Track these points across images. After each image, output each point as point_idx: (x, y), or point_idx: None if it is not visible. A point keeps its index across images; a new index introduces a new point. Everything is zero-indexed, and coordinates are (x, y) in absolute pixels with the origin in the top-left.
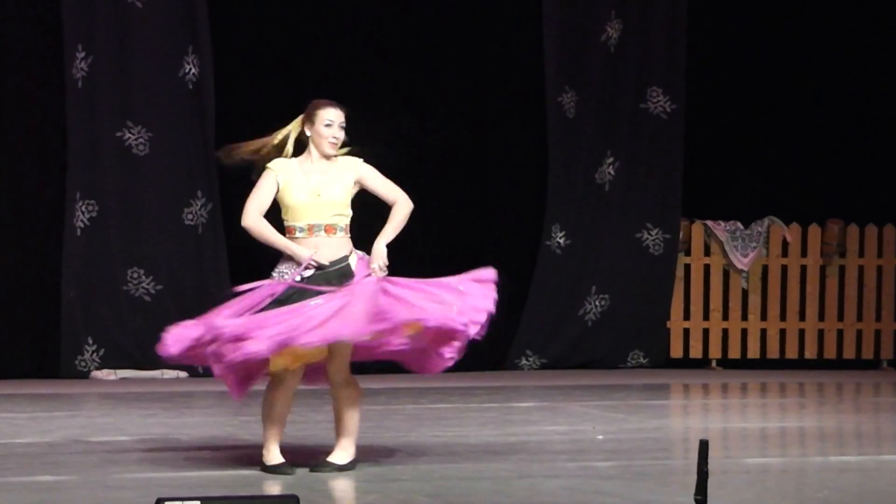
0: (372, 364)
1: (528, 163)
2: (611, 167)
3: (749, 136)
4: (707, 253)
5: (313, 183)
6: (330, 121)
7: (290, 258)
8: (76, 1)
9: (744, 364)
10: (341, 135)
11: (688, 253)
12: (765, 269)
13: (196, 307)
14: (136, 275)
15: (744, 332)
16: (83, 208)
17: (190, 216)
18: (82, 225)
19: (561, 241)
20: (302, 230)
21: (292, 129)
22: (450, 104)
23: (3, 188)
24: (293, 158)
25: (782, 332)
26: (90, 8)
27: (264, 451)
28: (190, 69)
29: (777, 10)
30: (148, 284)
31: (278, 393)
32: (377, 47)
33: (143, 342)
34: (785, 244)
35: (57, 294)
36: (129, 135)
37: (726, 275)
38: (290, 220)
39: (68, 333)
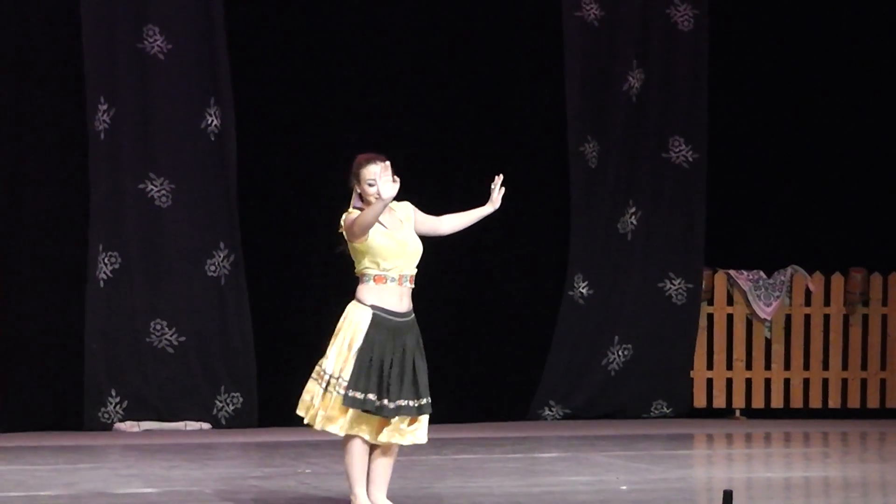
0: None
1: (551, 212)
2: (633, 217)
3: (771, 185)
4: (730, 302)
5: (399, 236)
6: (373, 179)
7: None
8: (98, 53)
9: (767, 414)
10: None
11: (711, 302)
12: (788, 318)
13: (219, 359)
14: (158, 326)
15: (767, 381)
16: (106, 260)
17: (212, 268)
18: (105, 277)
19: (583, 290)
20: (393, 279)
21: (354, 194)
22: (472, 153)
23: (26, 240)
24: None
25: (806, 382)
26: (112, 60)
27: (352, 497)
28: (212, 121)
29: (798, 60)
30: (171, 336)
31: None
32: (399, 98)
33: (167, 394)
34: (808, 293)
35: (80, 346)
36: (152, 186)
37: (749, 324)
38: (377, 270)
39: (91, 385)
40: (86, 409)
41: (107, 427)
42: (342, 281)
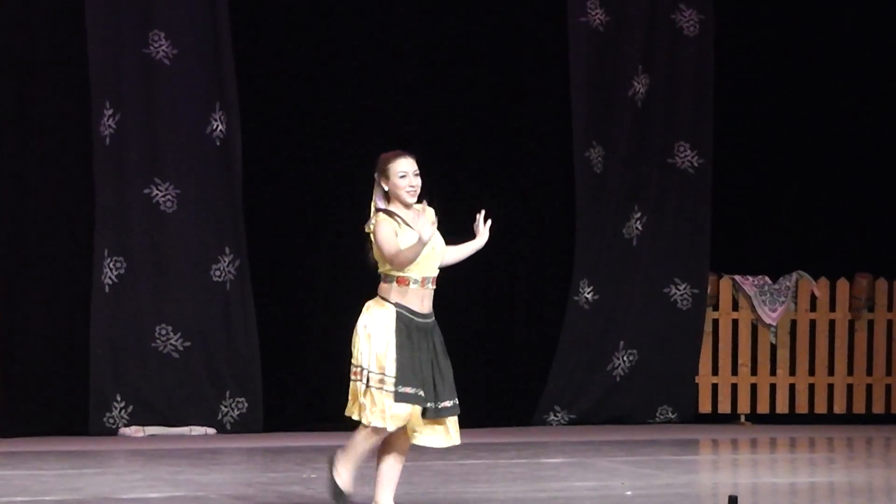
0: None
1: (556, 218)
2: (638, 222)
3: (776, 190)
4: (735, 308)
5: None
6: (403, 172)
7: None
8: (103, 58)
9: (773, 419)
10: (418, 181)
11: (716, 308)
12: (793, 323)
13: (225, 364)
14: (164, 331)
15: (772, 386)
16: (111, 265)
17: (218, 273)
18: (110, 282)
19: (589, 296)
20: (416, 282)
21: (375, 193)
22: (477, 159)
23: (31, 245)
24: (389, 211)
25: (811, 387)
26: (117, 65)
27: (340, 471)
28: (217, 126)
29: (804, 65)
30: (176, 341)
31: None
32: (404, 104)
33: (172, 399)
34: (813, 298)
35: (85, 351)
36: (157, 191)
37: (755, 329)
38: (401, 272)
39: (97, 390)
40: (91, 414)
41: (112, 432)
42: (348, 285)
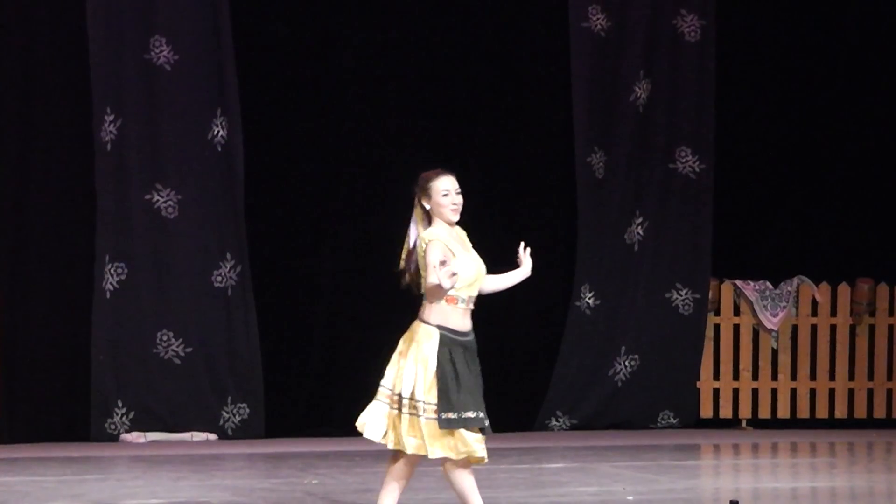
0: None
1: (558, 223)
2: (640, 227)
3: (778, 195)
4: (737, 313)
5: (475, 262)
6: (446, 190)
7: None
8: (105, 64)
9: (774, 424)
10: (460, 199)
11: (717, 313)
12: (794, 328)
13: (226, 369)
14: (165, 337)
15: (774, 391)
16: (112, 271)
17: (219, 278)
18: (112, 288)
19: (590, 301)
20: (463, 301)
21: (416, 215)
22: (479, 165)
23: (32, 251)
24: (433, 229)
25: (812, 392)
26: (119, 71)
27: None
28: (218, 131)
29: (805, 70)
30: (178, 347)
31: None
32: (406, 110)
33: (173, 404)
34: (815, 303)
35: (87, 357)
36: (158, 197)
37: (756, 334)
38: (453, 291)
39: (98, 396)
40: (92, 419)
41: (113, 438)
42: (350, 291)
